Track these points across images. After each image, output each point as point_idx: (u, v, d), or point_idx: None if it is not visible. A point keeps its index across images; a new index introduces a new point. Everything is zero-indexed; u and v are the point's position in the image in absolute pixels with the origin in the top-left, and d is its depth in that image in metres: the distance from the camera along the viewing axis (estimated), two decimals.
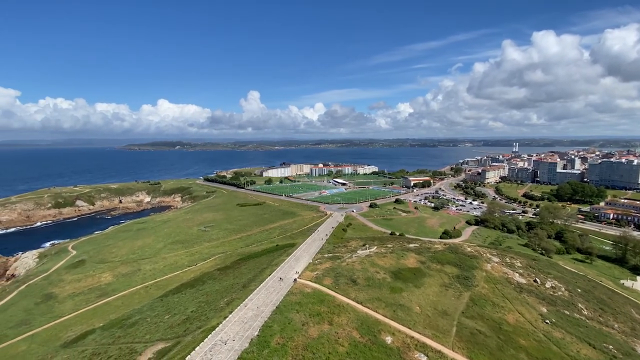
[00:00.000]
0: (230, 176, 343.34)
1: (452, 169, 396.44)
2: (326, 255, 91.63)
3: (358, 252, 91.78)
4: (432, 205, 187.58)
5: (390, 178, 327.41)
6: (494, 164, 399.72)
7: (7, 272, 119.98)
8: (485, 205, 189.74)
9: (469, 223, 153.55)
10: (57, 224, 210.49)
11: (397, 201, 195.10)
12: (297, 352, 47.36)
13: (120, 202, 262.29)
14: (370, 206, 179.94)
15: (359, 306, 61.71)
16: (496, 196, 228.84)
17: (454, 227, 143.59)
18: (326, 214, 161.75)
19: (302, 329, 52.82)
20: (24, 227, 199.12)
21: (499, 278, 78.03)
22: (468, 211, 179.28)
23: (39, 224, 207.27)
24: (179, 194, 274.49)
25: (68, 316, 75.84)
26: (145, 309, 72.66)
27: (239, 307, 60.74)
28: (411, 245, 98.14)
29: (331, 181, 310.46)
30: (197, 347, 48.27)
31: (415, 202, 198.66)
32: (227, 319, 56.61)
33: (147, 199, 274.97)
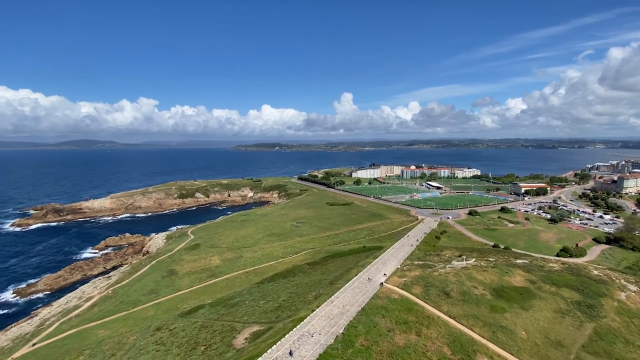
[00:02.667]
0: (321, 176, 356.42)
1: (576, 175, 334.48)
2: (416, 263, 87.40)
3: (453, 262, 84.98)
4: (548, 216, 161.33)
5: (496, 183, 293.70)
6: (635, 170, 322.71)
7: (144, 249, 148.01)
8: (621, 220, 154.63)
9: (597, 241, 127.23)
10: (180, 211, 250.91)
11: (502, 209, 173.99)
12: (381, 357, 46.38)
13: (229, 195, 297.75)
14: (470, 213, 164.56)
15: (452, 321, 57.11)
16: (637, 210, 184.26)
17: (577, 245, 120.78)
18: (417, 219, 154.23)
19: (388, 335, 51.47)
20: (157, 213, 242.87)
21: (637, 311, 62.66)
22: (596, 226, 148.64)
23: (167, 211, 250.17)
24: (276, 191, 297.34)
25: (184, 291, 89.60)
26: (244, 293, 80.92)
27: (325, 303, 62.59)
28: (519, 261, 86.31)
29: (424, 184, 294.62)
30: (287, 335, 51.47)
31: (526, 212, 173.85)
32: (315, 312, 58.88)
33: (250, 194, 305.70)
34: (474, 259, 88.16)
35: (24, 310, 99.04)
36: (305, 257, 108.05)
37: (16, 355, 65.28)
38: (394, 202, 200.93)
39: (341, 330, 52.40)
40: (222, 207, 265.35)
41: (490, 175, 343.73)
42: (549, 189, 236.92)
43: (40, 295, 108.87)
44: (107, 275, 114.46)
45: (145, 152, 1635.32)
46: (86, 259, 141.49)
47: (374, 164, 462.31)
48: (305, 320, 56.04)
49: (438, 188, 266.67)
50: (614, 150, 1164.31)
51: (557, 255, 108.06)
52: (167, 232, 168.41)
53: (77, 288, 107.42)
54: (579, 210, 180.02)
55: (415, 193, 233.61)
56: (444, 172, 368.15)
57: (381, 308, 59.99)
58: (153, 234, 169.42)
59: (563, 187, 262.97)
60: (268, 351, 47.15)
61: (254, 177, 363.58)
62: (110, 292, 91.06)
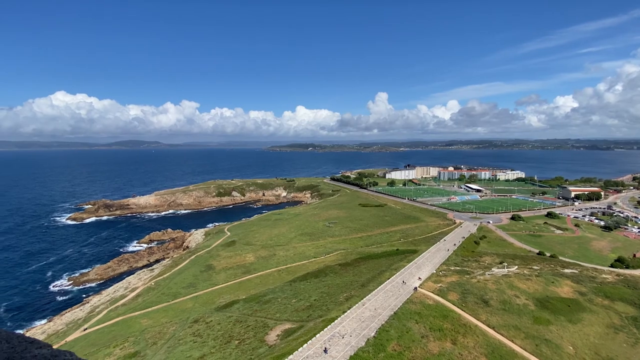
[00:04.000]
0: (354, 176, 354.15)
1: (634, 178, 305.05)
2: (452, 268, 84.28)
3: (493, 269, 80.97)
4: (602, 223, 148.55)
5: (542, 187, 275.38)
6: None
7: (184, 244, 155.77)
8: None
9: None
10: (218, 209, 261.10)
11: (549, 215, 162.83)
12: None
13: (263, 195, 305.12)
14: (513, 218, 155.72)
15: (491, 331, 54.44)
16: None
17: (634, 255, 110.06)
18: (455, 223, 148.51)
19: (422, 341, 50.13)
20: (196, 210, 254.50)
21: None
22: None
23: (206, 208, 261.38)
24: (309, 191, 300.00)
25: (221, 285, 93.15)
26: (277, 290, 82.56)
27: (357, 305, 62.21)
28: (567, 270, 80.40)
29: (463, 186, 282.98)
30: (318, 335, 51.81)
31: (576, 217, 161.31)
32: (346, 314, 58.74)
33: (284, 193, 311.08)
34: (516, 267, 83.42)
35: (77, 297, 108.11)
36: (337, 258, 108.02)
37: (69, 338, 71.40)
38: (430, 205, 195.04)
39: (372, 334, 51.82)
40: (257, 205, 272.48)
41: (535, 178, 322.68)
42: (602, 193, 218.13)
43: (92, 284, 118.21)
44: (150, 268, 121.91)
45: (187, 152, 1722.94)
46: (132, 251, 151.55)
47: (408, 165, 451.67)
48: (336, 321, 56.07)
49: (478, 191, 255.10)
50: None
51: (611, 266, 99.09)
52: (205, 229, 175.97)
53: (124, 279, 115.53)
54: (637, 218, 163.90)
55: (453, 196, 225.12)
56: (485, 174, 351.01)
57: (415, 313, 58.54)
58: (193, 230, 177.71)
59: (619, 191, 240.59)
60: (299, 349, 47.74)
61: (288, 177, 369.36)
62: (153, 283, 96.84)
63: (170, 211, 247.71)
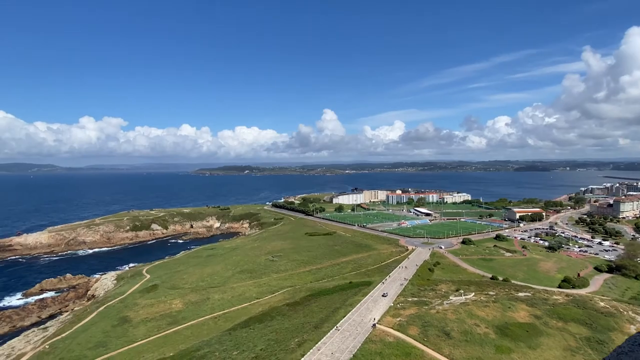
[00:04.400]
0: (298, 202, 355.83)
1: (570, 198, 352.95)
2: (410, 299, 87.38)
3: (450, 298, 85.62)
4: (546, 244, 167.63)
5: (488, 209, 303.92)
6: (631, 193, 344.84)
7: (89, 293, 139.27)
8: (621, 246, 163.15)
9: (598, 269, 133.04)
10: (133, 246, 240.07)
11: (497, 237, 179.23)
12: None
13: (192, 227, 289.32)
14: (463, 242, 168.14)
15: None
16: (637, 235, 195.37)
17: (578, 274, 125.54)
18: (407, 249, 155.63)
19: None
20: (105, 249, 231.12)
21: None
22: (596, 254, 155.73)
23: (118, 246, 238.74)
24: (247, 220, 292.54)
25: (141, 342, 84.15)
26: (213, 342, 77.01)
27: (311, 351, 60.72)
28: (521, 294, 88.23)
29: (412, 210, 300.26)
30: None
31: (523, 239, 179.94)
32: None
33: (217, 224, 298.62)
34: (473, 294, 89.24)
35: None
36: (284, 297, 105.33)
37: None
38: (381, 231, 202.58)
39: None
40: (183, 240, 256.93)
41: (481, 200, 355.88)
42: (544, 214, 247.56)
43: None
44: (43, 326, 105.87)
45: (90, 177, 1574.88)
46: (16, 306, 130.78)
47: (356, 189, 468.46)
48: None
49: (427, 215, 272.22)
50: (606, 171, 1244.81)
51: (559, 287, 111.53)
52: (117, 272, 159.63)
53: (4, 343, 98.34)
54: (577, 237, 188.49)
55: (403, 220, 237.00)
56: (432, 197, 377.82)
57: (375, 354, 58.88)
58: (100, 274, 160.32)
59: (559, 211, 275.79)
60: None
61: (221, 204, 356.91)
62: (47, 346, 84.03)
63: (70, 251, 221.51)
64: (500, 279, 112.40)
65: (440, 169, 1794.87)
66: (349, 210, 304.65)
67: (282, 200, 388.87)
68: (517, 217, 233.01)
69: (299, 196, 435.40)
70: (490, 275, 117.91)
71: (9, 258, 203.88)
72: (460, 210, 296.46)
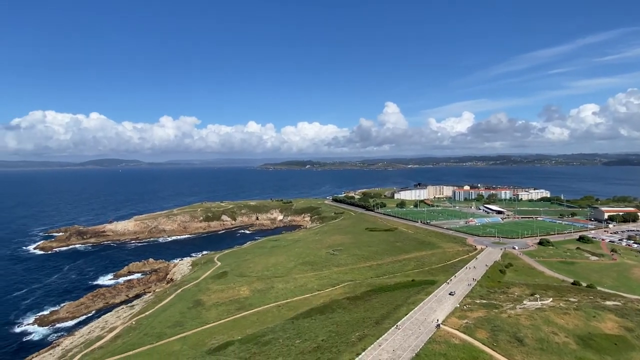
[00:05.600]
0: (359, 197, 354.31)
1: None
2: (478, 301, 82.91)
3: (524, 302, 79.70)
4: None
5: (570, 207, 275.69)
6: None
7: (168, 276, 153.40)
8: None
9: None
10: (206, 235, 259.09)
11: (581, 239, 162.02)
12: None
13: (257, 218, 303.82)
14: (540, 243, 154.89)
15: None
16: None
17: None
18: (476, 249, 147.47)
19: None
20: (181, 237, 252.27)
21: None
22: None
23: (192, 234, 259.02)
24: (308, 214, 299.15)
25: (212, 324, 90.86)
26: (277, 329, 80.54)
27: (372, 346, 60.66)
28: (608, 302, 79.12)
29: (481, 207, 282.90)
30: None
31: (612, 242, 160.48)
32: (360, 356, 57.20)
33: (280, 217, 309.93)
34: (551, 299, 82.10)
35: (45, 339, 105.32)
36: (345, 291, 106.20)
37: None
38: (446, 229, 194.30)
39: None
40: (250, 231, 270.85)
41: (562, 198, 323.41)
42: (639, 214, 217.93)
43: (63, 323, 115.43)
44: (130, 304, 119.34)
45: (170, 171, 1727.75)
46: (108, 285, 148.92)
47: (419, 184, 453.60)
48: None
49: (499, 212, 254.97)
50: None
51: None
52: (192, 258, 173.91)
53: (99, 317, 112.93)
54: None
55: (471, 218, 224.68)
56: (505, 193, 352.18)
57: (440, 355, 57.04)
58: (178, 260, 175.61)
59: None
60: None
61: (284, 198, 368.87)
62: (133, 322, 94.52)
63: (152, 238, 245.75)
64: (584, 284, 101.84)
65: (515, 163, 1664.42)
66: (412, 206, 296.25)
67: (343, 194, 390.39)
68: (606, 217, 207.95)
69: (359, 191, 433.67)
70: (571, 280, 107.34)
71: (102, 242, 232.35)
72: (537, 209, 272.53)
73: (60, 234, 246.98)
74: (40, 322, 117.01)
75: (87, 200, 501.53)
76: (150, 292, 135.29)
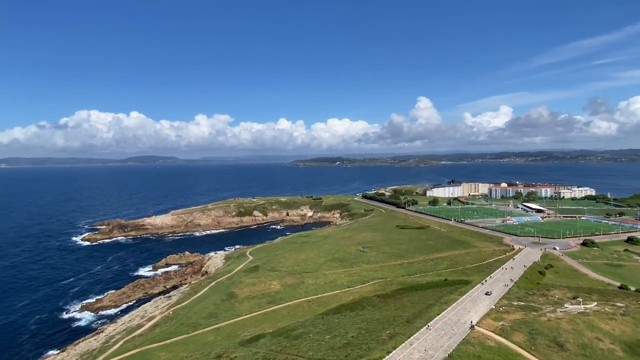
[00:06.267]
0: (389, 194, 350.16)
1: None
2: (515, 303, 79.85)
3: (566, 306, 75.89)
4: None
5: (619, 206, 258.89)
6: None
7: (202, 269, 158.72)
8: None
9: None
10: (238, 230, 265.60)
11: (630, 240, 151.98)
12: None
13: (287, 214, 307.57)
14: (584, 244, 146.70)
15: None
16: None
17: None
18: (513, 249, 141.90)
19: None
20: (215, 231, 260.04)
21: None
22: None
23: (225, 229, 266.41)
24: (338, 210, 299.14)
25: (244, 316, 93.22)
26: (307, 324, 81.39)
27: (403, 345, 59.97)
28: None
29: (520, 206, 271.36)
30: None
31: None
32: (391, 355, 56.72)
33: (310, 213, 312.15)
34: (595, 303, 77.60)
35: (91, 325, 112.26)
36: (375, 288, 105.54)
37: None
38: (482, 227, 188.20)
39: None
40: (280, 226, 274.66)
41: (609, 196, 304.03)
42: None
43: (106, 311, 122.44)
44: (167, 295, 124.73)
45: (204, 167, 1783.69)
46: (148, 276, 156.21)
47: (453, 181, 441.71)
48: None
49: (539, 211, 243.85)
50: None
51: None
52: (225, 252, 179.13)
53: (139, 306, 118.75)
54: None
55: (508, 217, 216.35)
56: (546, 191, 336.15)
57: (473, 357, 55.51)
58: (212, 253, 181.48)
59: None
60: None
61: (314, 194, 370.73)
62: (171, 312, 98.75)
63: (188, 232, 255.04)
64: (632, 289, 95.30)
65: (556, 159, 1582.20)
66: (445, 204, 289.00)
67: (373, 191, 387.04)
68: None
69: (389, 188, 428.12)
70: (618, 284, 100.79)
71: (142, 235, 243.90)
72: (580, 207, 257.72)
73: (104, 226, 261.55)
74: (87, 308, 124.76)
75: (129, 195, 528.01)
76: (186, 284, 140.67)
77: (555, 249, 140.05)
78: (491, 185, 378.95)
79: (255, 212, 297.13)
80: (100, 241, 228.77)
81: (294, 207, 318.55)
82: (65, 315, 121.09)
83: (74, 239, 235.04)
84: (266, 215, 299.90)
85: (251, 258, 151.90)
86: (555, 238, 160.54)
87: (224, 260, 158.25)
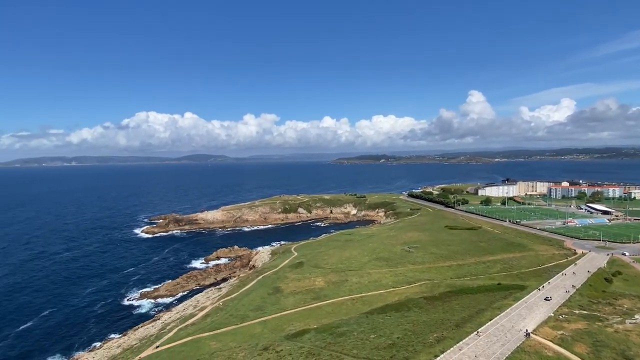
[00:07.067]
0: (437, 193, 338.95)
1: None
2: (577, 312, 73.93)
3: (636, 317, 68.97)
4: None
5: None
6: None
7: (250, 263, 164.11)
8: None
9: None
10: (284, 226, 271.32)
11: None
12: None
13: (331, 212, 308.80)
14: None
15: None
16: None
17: None
18: (575, 253, 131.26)
19: None
20: (262, 227, 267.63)
21: None
22: None
23: (271, 225, 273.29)
24: (383, 209, 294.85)
25: (290, 311, 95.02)
26: (352, 322, 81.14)
27: (452, 349, 57.92)
28: None
29: (583, 207, 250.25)
30: None
31: None
32: (438, 359, 54.96)
33: (354, 211, 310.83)
34: None
35: (148, 312, 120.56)
36: (421, 290, 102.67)
37: (143, 355, 79.11)
38: (540, 230, 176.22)
39: None
40: (324, 224, 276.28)
41: None
42: None
43: (162, 300, 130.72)
44: (218, 287, 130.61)
45: (252, 166, 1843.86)
46: (200, 269, 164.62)
47: (508, 180, 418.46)
48: None
49: (605, 213, 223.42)
50: None
51: None
52: (271, 247, 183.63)
53: (192, 296, 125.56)
54: None
55: (570, 218, 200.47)
56: (614, 191, 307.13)
57: None
58: (259, 248, 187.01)
59: None
60: None
61: (358, 192, 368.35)
62: (221, 304, 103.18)
63: (237, 227, 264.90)
64: None
65: (627, 156, 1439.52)
66: (499, 204, 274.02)
67: (419, 190, 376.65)
68: None
69: (437, 186, 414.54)
70: None
71: (195, 229, 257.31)
72: None
73: (161, 220, 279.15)
74: (146, 297, 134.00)
75: (184, 191, 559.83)
76: (235, 277, 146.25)
77: (624, 254, 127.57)
78: (551, 184, 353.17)
79: (300, 209, 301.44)
80: (158, 234, 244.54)
81: (338, 205, 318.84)
82: (126, 302, 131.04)
83: (135, 231, 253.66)
84: (310, 212, 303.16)
85: (296, 254, 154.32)
86: (624, 242, 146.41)
87: (270, 255, 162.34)
